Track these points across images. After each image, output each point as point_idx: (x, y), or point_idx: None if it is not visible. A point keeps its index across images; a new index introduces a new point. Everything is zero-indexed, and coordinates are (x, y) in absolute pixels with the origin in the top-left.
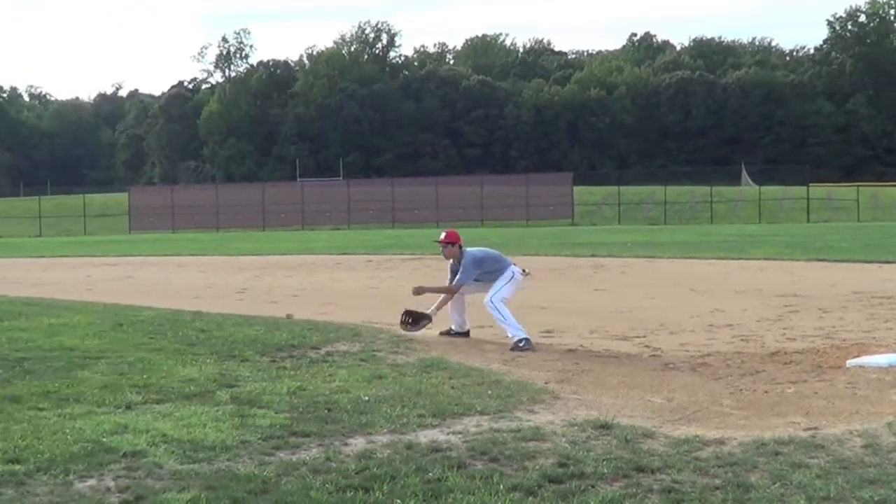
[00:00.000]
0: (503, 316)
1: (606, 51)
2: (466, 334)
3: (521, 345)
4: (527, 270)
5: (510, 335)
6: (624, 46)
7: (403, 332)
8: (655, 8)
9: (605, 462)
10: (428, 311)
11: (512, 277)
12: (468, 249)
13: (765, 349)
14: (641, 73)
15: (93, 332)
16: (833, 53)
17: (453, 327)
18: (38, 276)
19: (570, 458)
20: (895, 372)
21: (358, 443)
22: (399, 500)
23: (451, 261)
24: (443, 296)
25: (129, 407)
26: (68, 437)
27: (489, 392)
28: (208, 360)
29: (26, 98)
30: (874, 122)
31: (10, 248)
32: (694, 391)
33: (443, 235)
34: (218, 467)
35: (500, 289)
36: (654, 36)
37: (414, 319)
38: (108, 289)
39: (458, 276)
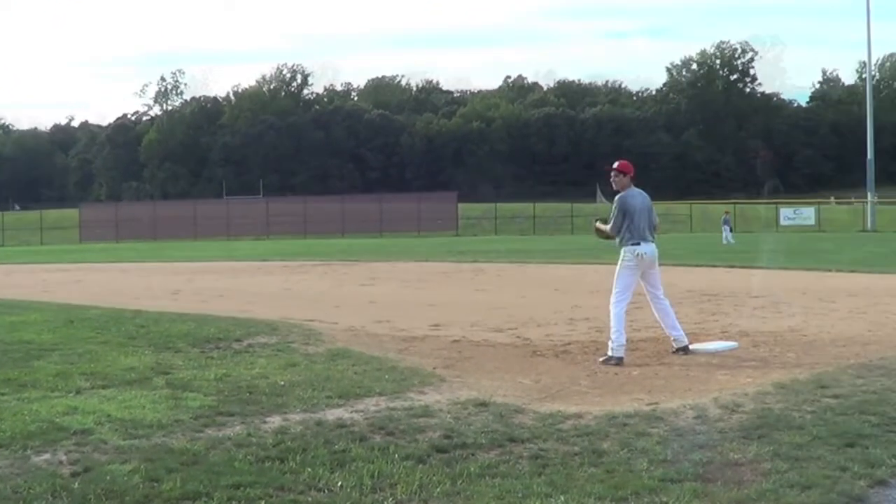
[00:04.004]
0: (613, 320)
1: (486, 90)
2: (685, 349)
3: (600, 360)
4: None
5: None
6: (500, 87)
7: (316, 328)
8: (526, 54)
9: (483, 434)
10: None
11: (623, 262)
12: (634, 190)
13: None
14: (514, 109)
15: (48, 328)
16: (671, 94)
17: (674, 344)
18: (1, 280)
19: (454, 432)
20: (721, 356)
21: (275, 421)
22: (310, 469)
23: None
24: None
25: (78, 392)
26: (26, 417)
27: (386, 377)
28: (147, 352)
29: None
30: (704, 152)
31: None
32: (557, 374)
33: (616, 164)
34: (155, 442)
35: (616, 279)
36: (525, 78)
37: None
38: (61, 291)
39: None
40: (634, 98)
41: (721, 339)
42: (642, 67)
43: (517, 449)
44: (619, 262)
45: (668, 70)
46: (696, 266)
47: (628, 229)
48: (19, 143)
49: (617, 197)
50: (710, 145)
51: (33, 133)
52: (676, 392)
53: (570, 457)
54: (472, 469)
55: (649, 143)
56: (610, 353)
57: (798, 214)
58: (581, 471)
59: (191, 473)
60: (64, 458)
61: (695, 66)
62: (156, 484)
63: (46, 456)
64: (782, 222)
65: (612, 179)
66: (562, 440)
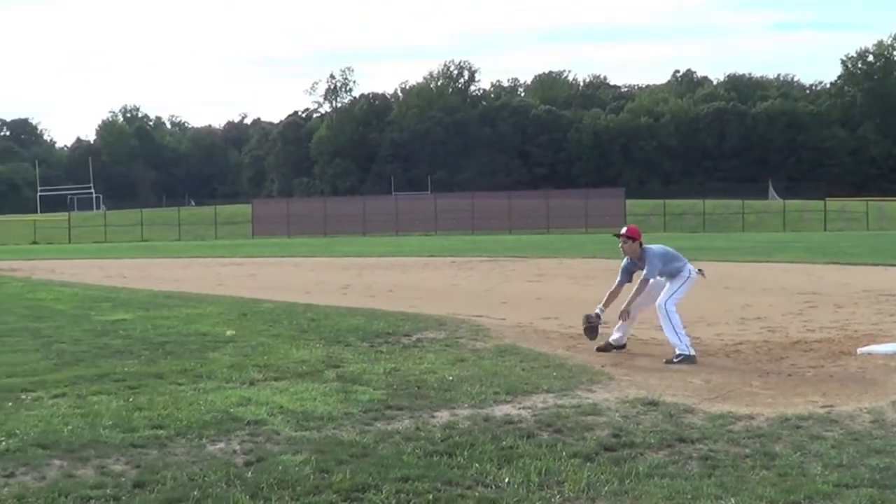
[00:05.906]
0: (673, 324)
1: (654, 84)
2: (623, 347)
3: (675, 360)
4: (702, 271)
5: (674, 345)
6: (668, 81)
7: (483, 324)
8: (696, 47)
9: (652, 433)
10: (598, 310)
11: (688, 277)
12: (648, 247)
13: (788, 339)
14: (683, 104)
15: (222, 321)
16: (846, 87)
17: (611, 341)
18: (178, 273)
19: (622, 430)
20: None
21: (443, 415)
22: (477, 464)
23: (625, 259)
24: (638, 295)
25: (252, 383)
26: (202, 407)
27: (554, 374)
28: (318, 345)
29: (168, 126)
30: (881, 146)
31: (155, 250)
32: (728, 374)
33: (624, 230)
34: (326, 434)
35: (676, 290)
36: (694, 72)
37: (591, 325)
38: (235, 284)
39: (645, 270)
40: (807, 91)
41: None
42: (815, 60)
43: (687, 449)
44: (683, 278)
45: (843, 62)
46: (874, 265)
47: (677, 257)
48: (194, 141)
49: (649, 254)
50: (888, 139)
51: (208, 130)
52: (852, 395)
53: (741, 459)
54: (641, 468)
55: (823, 137)
56: (683, 350)
57: None
58: (752, 473)
59: (360, 466)
60: (238, 447)
61: (871, 57)
62: (326, 475)
63: (221, 445)
64: None
65: (622, 246)
66: (732, 441)
